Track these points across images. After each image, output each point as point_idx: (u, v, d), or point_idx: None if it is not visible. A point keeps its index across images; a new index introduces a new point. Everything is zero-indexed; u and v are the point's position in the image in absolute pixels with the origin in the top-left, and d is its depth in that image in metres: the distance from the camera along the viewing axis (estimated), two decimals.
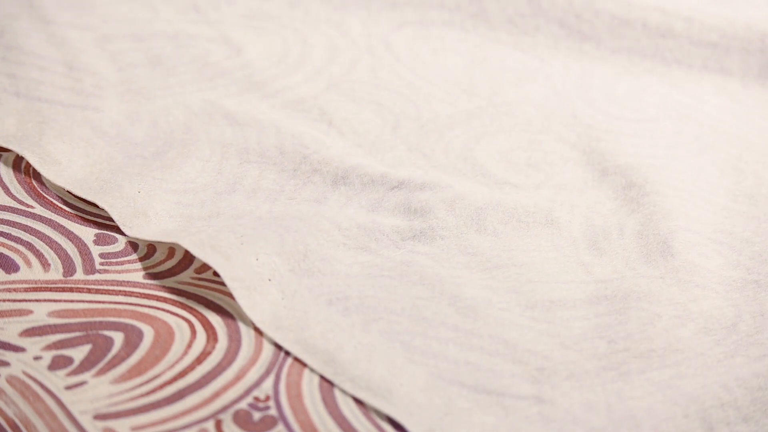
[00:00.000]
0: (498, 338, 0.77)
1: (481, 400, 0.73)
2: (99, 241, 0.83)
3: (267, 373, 0.74)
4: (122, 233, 0.84)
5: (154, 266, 0.82)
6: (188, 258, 0.83)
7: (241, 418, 0.71)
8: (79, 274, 0.80)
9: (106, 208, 0.85)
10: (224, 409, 0.71)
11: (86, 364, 0.73)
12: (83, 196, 0.86)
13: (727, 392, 0.74)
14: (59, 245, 0.82)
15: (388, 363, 0.74)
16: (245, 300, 0.77)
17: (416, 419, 0.71)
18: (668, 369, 0.76)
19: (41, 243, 0.82)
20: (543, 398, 0.73)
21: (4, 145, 0.90)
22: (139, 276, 0.81)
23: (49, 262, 0.81)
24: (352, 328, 0.77)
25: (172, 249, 0.83)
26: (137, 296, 0.79)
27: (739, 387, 0.75)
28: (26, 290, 0.78)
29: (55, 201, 0.87)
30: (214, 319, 0.78)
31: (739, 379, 0.75)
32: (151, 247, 0.83)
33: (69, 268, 0.80)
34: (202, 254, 0.79)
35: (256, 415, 0.71)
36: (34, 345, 0.74)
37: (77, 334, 0.75)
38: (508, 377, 0.75)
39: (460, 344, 0.77)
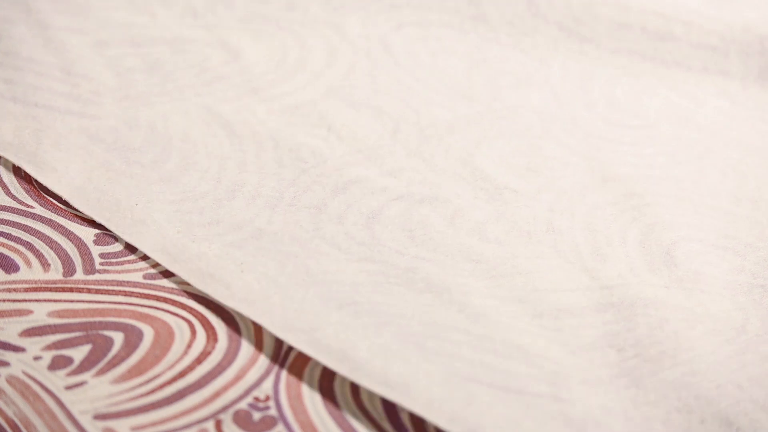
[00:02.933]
0: (510, 343, 0.77)
1: (501, 396, 0.72)
2: (99, 241, 0.83)
3: (267, 373, 0.74)
4: None
5: (154, 266, 0.81)
6: None
7: (241, 418, 0.70)
8: (79, 274, 0.80)
9: (103, 222, 0.84)
10: (224, 409, 0.71)
11: (86, 364, 0.73)
12: (80, 209, 0.86)
13: (741, 391, 0.74)
14: (59, 245, 0.82)
15: (403, 361, 0.74)
16: (252, 310, 0.77)
17: (437, 411, 0.70)
18: (680, 366, 0.76)
19: (41, 243, 0.82)
20: (561, 398, 0.73)
21: (1, 154, 0.90)
22: (139, 276, 0.80)
23: (49, 262, 0.80)
24: (365, 330, 0.76)
25: None
26: (137, 296, 0.78)
27: (753, 386, 0.74)
28: (26, 290, 0.78)
29: (55, 201, 0.86)
30: (214, 319, 0.77)
31: (752, 379, 0.75)
32: None
33: (69, 268, 0.80)
34: (202, 285, 0.78)
35: (256, 415, 0.71)
36: (34, 345, 0.74)
37: (77, 334, 0.75)
38: (525, 377, 0.74)
39: (473, 347, 0.76)
